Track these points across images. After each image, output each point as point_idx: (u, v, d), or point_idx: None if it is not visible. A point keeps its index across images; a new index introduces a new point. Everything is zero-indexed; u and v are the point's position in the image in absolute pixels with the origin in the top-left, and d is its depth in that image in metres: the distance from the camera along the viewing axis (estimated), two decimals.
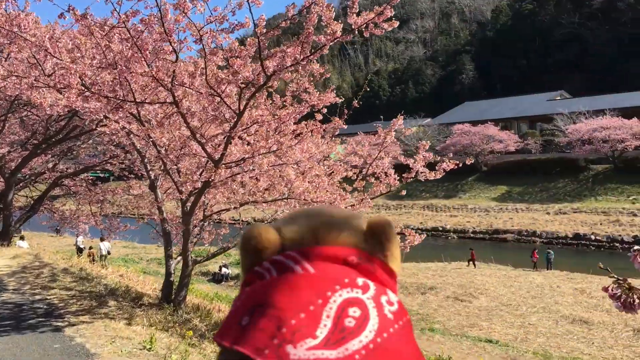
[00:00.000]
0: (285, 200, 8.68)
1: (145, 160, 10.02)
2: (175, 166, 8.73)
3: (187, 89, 7.32)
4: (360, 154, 8.66)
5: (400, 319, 0.60)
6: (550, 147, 45.33)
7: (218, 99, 7.65)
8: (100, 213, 19.70)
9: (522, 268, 28.80)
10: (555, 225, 38.81)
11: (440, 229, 41.81)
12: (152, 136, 8.78)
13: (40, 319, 8.01)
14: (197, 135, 7.75)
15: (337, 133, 9.59)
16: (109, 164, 18.33)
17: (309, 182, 8.27)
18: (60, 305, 8.85)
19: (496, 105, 53.27)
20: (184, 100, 7.36)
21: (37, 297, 9.44)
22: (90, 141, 19.29)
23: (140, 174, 17.32)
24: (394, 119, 8.67)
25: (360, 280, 0.60)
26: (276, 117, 8.00)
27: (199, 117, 7.77)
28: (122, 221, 20.57)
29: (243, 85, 7.65)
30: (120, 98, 7.24)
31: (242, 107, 7.73)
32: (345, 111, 9.00)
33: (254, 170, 9.15)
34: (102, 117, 9.39)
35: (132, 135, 9.69)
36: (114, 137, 15.66)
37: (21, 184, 19.07)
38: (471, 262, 28.12)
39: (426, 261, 29.93)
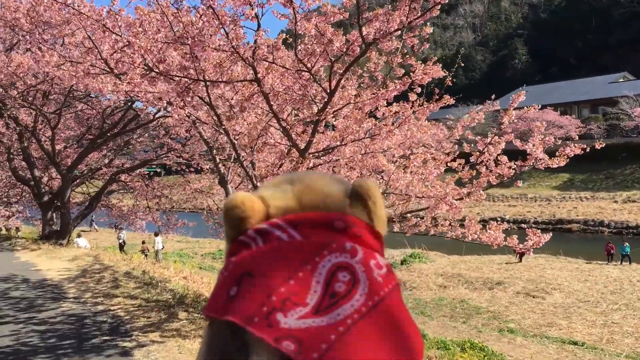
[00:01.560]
0: (384, 195, 7.25)
1: (214, 152, 8.74)
2: (250, 158, 7.41)
3: (271, 63, 5.95)
4: (470, 138, 7.14)
5: (390, 282, 0.57)
6: (615, 131, 42.33)
7: (306, 75, 6.26)
8: (158, 209, 18.76)
9: (595, 261, 26.61)
10: (624, 214, 36.14)
11: (499, 219, 39.58)
12: (225, 124, 7.48)
13: (105, 338, 6.82)
14: (282, 121, 6.38)
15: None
16: (166, 158, 17.32)
17: (411, 172, 6.80)
18: (125, 318, 7.67)
19: (554, 90, 50.16)
20: (268, 77, 5.99)
21: (100, 307, 8.31)
22: (146, 135, 18.32)
23: (199, 168, 16.27)
24: (513, 94, 7.09)
25: (348, 245, 0.57)
26: (373, 96, 6.55)
27: (283, 98, 6.41)
28: (179, 217, 19.61)
29: (334, 59, 6.23)
30: (193, 77, 5.92)
31: (333, 85, 6.31)
32: (437, 90, 7.47)
33: (337, 160, 7.76)
34: (164, 105, 8.17)
35: (198, 124, 8.43)
36: (177, 128, 14.62)
37: (78, 181, 18.24)
38: (518, 256, 25.98)
39: (487, 254, 28.00)
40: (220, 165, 8.69)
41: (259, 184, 8.03)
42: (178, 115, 7.86)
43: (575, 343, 16.51)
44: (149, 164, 18.01)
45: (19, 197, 20.66)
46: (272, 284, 0.52)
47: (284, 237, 0.58)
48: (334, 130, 7.43)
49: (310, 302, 0.51)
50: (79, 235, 20.45)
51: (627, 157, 40.03)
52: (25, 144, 16.73)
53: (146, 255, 26.58)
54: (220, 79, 6.10)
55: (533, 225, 36.75)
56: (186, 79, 5.92)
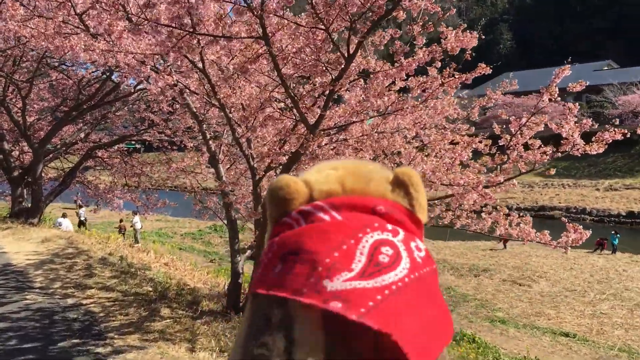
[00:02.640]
0: None
1: (204, 127, 7.59)
2: (248, 134, 6.30)
3: (282, 18, 4.82)
4: (504, 117, 6.13)
5: (429, 265, 0.57)
6: (599, 119, 41.91)
7: (321, 35, 5.15)
8: (137, 187, 17.49)
9: (580, 250, 26.15)
10: (606, 202, 35.85)
11: (481, 205, 38.95)
12: (219, 94, 6.35)
13: (75, 340, 5.71)
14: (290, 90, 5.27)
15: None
16: (146, 134, 16.03)
17: (436, 156, 5.79)
18: (100, 315, 6.55)
19: (538, 76, 49.48)
20: (278, 35, 4.87)
21: (70, 300, 7.17)
22: (126, 109, 16.96)
23: (183, 145, 15.05)
24: (556, 69, 6.08)
25: (389, 226, 0.57)
26: (397, 66, 5.48)
27: (293, 62, 5.29)
28: (160, 196, 18.33)
29: (354, 18, 5.14)
30: (187, 29, 4.75)
31: (352, 49, 5.22)
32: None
33: (345, 140, 6.69)
34: (147, 72, 7.01)
35: (187, 95, 7.28)
36: (159, 102, 13.37)
37: (51, 155, 16.82)
38: (501, 242, 25.41)
39: (471, 239, 27.32)
40: (211, 142, 7.55)
41: (256, 164, 6.94)
42: (164, 82, 6.70)
43: (567, 335, 16.00)
44: (128, 139, 16.70)
45: None
46: (317, 257, 0.52)
47: (327, 218, 0.57)
48: (338, 105, 6.39)
49: (355, 268, 0.51)
50: (64, 215, 18.93)
51: (609, 145, 39.56)
52: None
53: (123, 234, 25.38)
54: (220, 34, 4.94)
55: (515, 212, 36.18)
56: (179, 31, 4.75)
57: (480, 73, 5.72)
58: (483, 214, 6.94)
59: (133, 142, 18.69)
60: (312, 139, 5.53)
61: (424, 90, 5.67)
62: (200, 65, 6.28)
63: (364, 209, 0.59)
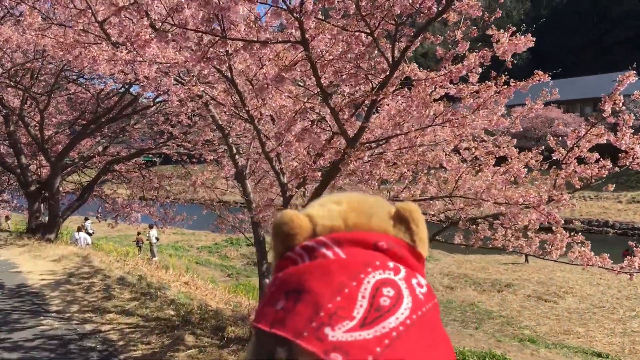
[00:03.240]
0: (446, 200, 5.65)
1: (230, 140, 7.08)
2: (279, 149, 5.76)
3: (321, 21, 4.31)
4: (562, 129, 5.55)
5: (430, 300, 0.58)
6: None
7: (363, 39, 4.63)
8: (155, 199, 17.05)
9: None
10: (629, 214, 34.84)
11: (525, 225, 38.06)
12: (248, 106, 5.84)
13: None
14: (330, 100, 4.74)
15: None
16: (164, 147, 15.61)
17: (493, 173, 5.21)
18: (119, 344, 6.02)
19: (556, 87, 48.81)
20: (318, 39, 4.35)
21: (88, 326, 6.66)
22: (144, 121, 16.58)
23: (203, 159, 14.59)
24: (620, 75, 5.49)
25: (391, 264, 0.58)
26: (445, 72, 4.93)
27: (333, 69, 4.76)
28: (178, 209, 17.86)
29: (399, 20, 4.62)
30: (218, 34, 4.25)
31: (397, 54, 4.70)
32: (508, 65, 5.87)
33: (381, 154, 6.13)
34: (170, 85, 6.57)
35: (213, 106, 6.80)
36: (179, 115, 12.93)
37: (69, 169, 16.46)
38: (523, 255, 24.57)
39: (492, 253, 26.47)
40: (237, 157, 7.04)
41: (285, 179, 6.40)
42: (190, 93, 6.22)
43: (599, 355, 15.23)
44: (147, 152, 16.28)
45: (3, 186, 18.88)
46: (319, 300, 0.52)
47: (330, 254, 0.58)
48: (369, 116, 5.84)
49: (356, 315, 0.51)
50: (79, 229, 18.49)
51: None
52: (12, 128, 14.95)
53: (140, 246, 24.97)
54: (253, 38, 4.43)
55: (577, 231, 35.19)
56: (211, 35, 4.25)
57: (538, 81, 5.15)
58: (529, 233, 6.35)
59: (150, 155, 18.30)
60: (353, 153, 4.99)
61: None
62: (228, 74, 5.78)
63: (366, 245, 0.59)
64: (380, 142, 5.29)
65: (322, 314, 0.51)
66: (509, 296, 20.98)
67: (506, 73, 5.49)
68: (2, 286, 8.69)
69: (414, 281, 0.57)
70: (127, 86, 14.29)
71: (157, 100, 13.93)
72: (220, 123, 7.14)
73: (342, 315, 0.50)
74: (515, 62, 5.73)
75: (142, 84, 12.03)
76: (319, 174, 5.55)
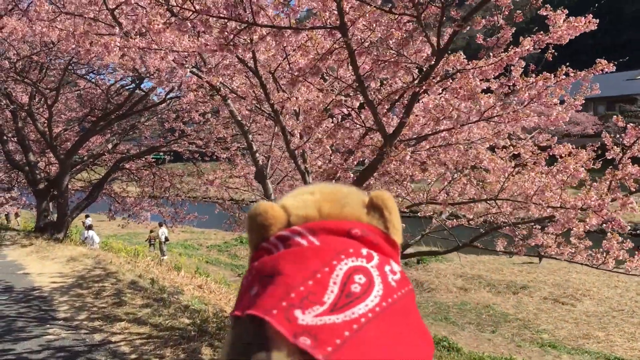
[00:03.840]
0: (491, 203, 5.08)
1: (250, 137, 6.54)
2: (303, 147, 5.23)
3: (363, 2, 3.77)
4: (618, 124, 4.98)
5: (403, 287, 0.58)
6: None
7: (406, 23, 4.09)
8: (165, 197, 16.58)
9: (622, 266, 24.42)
10: None
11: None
12: (273, 99, 5.31)
13: None
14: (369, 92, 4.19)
15: None
16: (175, 145, 15.11)
17: (548, 174, 4.65)
18: (131, 358, 5.50)
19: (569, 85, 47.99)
20: (357, 23, 3.81)
21: (97, 336, 6.15)
22: (154, 118, 16.07)
23: (215, 157, 14.11)
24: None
25: (364, 251, 0.58)
26: (496, 60, 4.38)
27: (372, 57, 4.21)
28: (189, 208, 17.36)
29: (443, 4, 4.07)
30: (245, 20, 3.72)
31: (445, 41, 4.15)
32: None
33: (414, 153, 5.56)
34: (182, 78, 6.09)
35: (233, 100, 6.26)
36: (191, 111, 12.43)
37: (78, 167, 15.99)
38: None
39: (505, 253, 25.65)
40: (257, 155, 6.49)
41: (310, 179, 5.85)
42: (208, 83, 5.70)
43: None
44: (158, 150, 15.78)
45: (12, 183, 18.44)
46: (291, 282, 0.52)
47: (304, 242, 0.58)
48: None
49: (327, 300, 0.51)
50: (89, 228, 18.01)
51: None
52: (20, 125, 14.49)
53: (152, 244, 24.54)
54: (282, 24, 3.90)
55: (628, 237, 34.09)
56: (235, 23, 3.72)
57: (601, 71, 4.59)
58: (573, 239, 5.78)
59: (160, 153, 17.84)
60: (392, 151, 4.45)
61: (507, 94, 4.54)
62: (251, 64, 5.25)
63: (340, 233, 0.59)
64: (418, 140, 4.74)
65: (293, 295, 0.50)
66: (524, 298, 20.42)
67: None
68: (9, 289, 8.21)
69: (387, 268, 0.57)
70: (137, 81, 13.80)
71: (169, 96, 13.43)
72: (240, 119, 6.60)
73: (312, 300, 0.50)
74: (555, 54, 5.19)
75: (153, 78, 11.51)
76: (351, 174, 5.01)
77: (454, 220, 6.09)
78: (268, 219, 0.62)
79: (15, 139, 15.47)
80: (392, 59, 4.23)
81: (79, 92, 16.57)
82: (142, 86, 14.82)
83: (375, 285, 0.54)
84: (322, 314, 0.49)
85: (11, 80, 12.74)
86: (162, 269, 11.03)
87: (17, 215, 22.91)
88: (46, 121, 14.11)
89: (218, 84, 5.80)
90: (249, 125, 6.66)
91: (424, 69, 4.34)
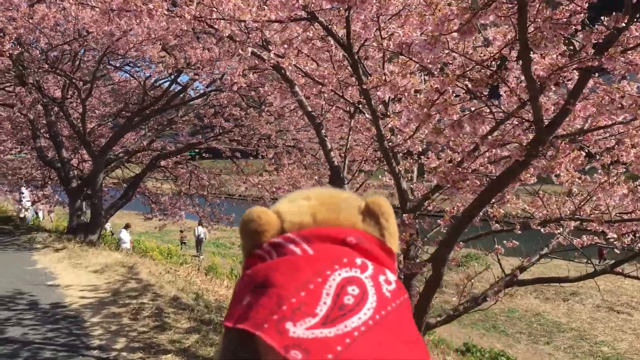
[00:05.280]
0: None
1: (323, 131, 5.24)
2: (411, 140, 3.93)
3: None
4: None
5: (398, 297, 0.55)
6: None
7: None
8: (206, 200, 15.49)
9: None
10: None
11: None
12: (367, 84, 4.00)
13: None
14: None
15: None
16: (214, 141, 13.94)
17: None
18: None
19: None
20: None
21: None
22: (192, 113, 14.91)
23: (260, 155, 12.88)
24: None
25: (358, 260, 0.56)
26: None
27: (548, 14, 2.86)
28: (227, 209, 16.22)
29: None
30: None
31: None
32: None
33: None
34: (244, 54, 4.83)
35: (298, 87, 4.97)
36: (244, 96, 11.26)
37: (113, 164, 14.93)
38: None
39: (549, 257, 23.92)
40: (332, 154, 5.18)
41: (406, 185, 4.53)
42: (274, 67, 4.43)
43: None
44: (195, 147, 14.64)
45: (45, 181, 17.55)
46: (283, 294, 0.50)
47: (297, 251, 0.56)
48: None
49: (319, 312, 0.49)
50: (126, 227, 17.03)
51: None
52: (53, 119, 13.45)
53: (184, 243, 23.65)
54: None
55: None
56: None
57: None
58: None
59: (196, 150, 16.76)
60: (541, 152, 3.09)
61: None
62: (341, 35, 3.95)
63: (334, 241, 0.57)
64: (582, 134, 3.37)
65: (285, 307, 0.48)
66: (576, 306, 18.90)
67: None
68: (35, 305, 7.07)
69: (381, 278, 0.55)
70: (175, 74, 12.65)
71: (209, 89, 12.24)
72: (310, 110, 5.31)
73: (305, 311, 0.48)
74: None
75: (192, 71, 10.18)
76: (476, 181, 3.67)
77: (591, 237, 4.71)
78: (261, 225, 0.59)
79: (47, 134, 14.49)
80: (561, 24, 2.86)
81: (113, 86, 15.54)
82: (178, 79, 13.69)
83: (369, 297, 0.52)
84: (314, 327, 0.47)
85: (43, 72, 11.69)
86: (204, 279, 9.85)
87: (50, 212, 22.14)
88: (79, 116, 13.05)
89: (290, 66, 4.50)
90: (322, 117, 5.35)
91: (604, 35, 2.96)
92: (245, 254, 0.61)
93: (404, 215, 4.03)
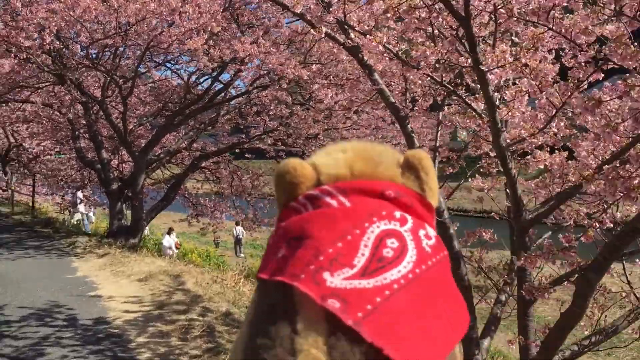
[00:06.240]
0: None
1: (409, 125, 4.37)
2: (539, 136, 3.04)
3: None
4: None
5: (438, 253, 0.53)
6: None
7: None
8: (249, 202, 14.82)
9: None
10: None
11: None
12: (485, 61, 3.15)
13: None
14: None
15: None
16: (258, 141, 13.21)
17: None
18: None
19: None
20: None
21: None
22: (234, 112, 14.19)
23: (305, 154, 12.10)
24: None
25: (397, 213, 0.53)
26: None
27: None
28: (269, 212, 15.50)
29: None
30: None
31: None
32: None
33: None
34: (318, 35, 4.14)
35: (377, 75, 4.12)
36: (275, 104, 10.53)
37: (153, 165, 14.33)
38: None
39: None
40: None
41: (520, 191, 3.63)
42: (363, 45, 3.61)
43: None
44: (238, 147, 13.93)
45: (85, 182, 17.16)
46: (320, 245, 0.49)
47: (334, 203, 0.53)
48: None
49: (357, 264, 0.47)
50: (169, 232, 16.05)
51: None
52: (92, 118, 12.92)
53: (218, 244, 23.08)
54: None
55: None
56: None
57: None
58: None
59: (237, 150, 16.03)
60: None
61: None
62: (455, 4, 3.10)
63: (372, 194, 0.55)
64: None
65: (322, 258, 0.48)
66: None
67: None
68: (75, 321, 6.40)
69: (421, 232, 0.53)
70: (219, 70, 11.94)
71: (253, 87, 11.48)
72: (394, 101, 4.44)
73: (342, 262, 0.47)
74: None
75: (240, 66, 9.40)
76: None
77: None
78: (297, 177, 0.56)
79: (86, 134, 13.99)
80: None
81: (152, 85, 14.97)
82: (220, 78, 12.99)
83: (408, 251, 0.50)
84: (352, 277, 0.46)
85: (83, 69, 11.14)
86: (252, 287, 9.08)
87: (88, 215, 21.83)
88: (119, 115, 12.47)
89: (380, 45, 3.64)
90: (407, 110, 4.47)
91: None
92: (280, 207, 0.57)
93: (562, 238, 3.15)
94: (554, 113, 3.09)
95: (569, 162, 3.93)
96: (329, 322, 0.44)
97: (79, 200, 16.82)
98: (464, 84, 4.45)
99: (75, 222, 17.00)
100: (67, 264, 9.59)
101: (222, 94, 12.90)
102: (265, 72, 10.64)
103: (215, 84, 12.94)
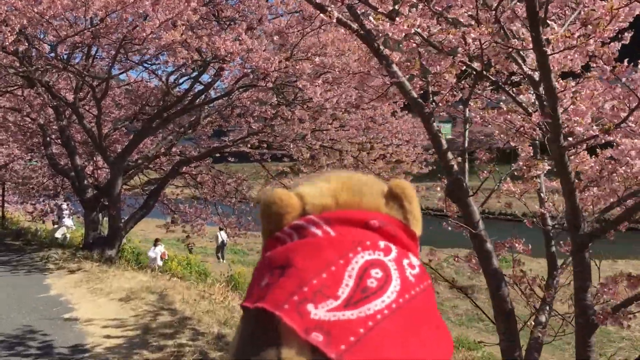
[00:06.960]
0: None
1: (435, 126, 3.78)
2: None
3: None
4: None
5: (422, 282, 0.53)
6: None
7: None
8: (234, 208, 14.12)
9: None
10: None
11: None
12: (550, 46, 2.57)
13: None
14: None
15: None
16: (242, 144, 12.50)
17: None
18: None
19: None
20: None
21: None
22: (215, 114, 13.44)
23: (293, 157, 11.43)
24: None
25: (382, 243, 0.53)
26: None
27: None
28: (254, 218, 14.83)
29: None
30: None
31: None
32: None
33: None
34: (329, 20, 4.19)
35: (395, 66, 3.53)
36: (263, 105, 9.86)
37: (130, 172, 13.48)
38: None
39: None
40: (449, 156, 3.73)
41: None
42: (366, 41, 3.00)
43: None
44: (220, 151, 13.20)
45: (57, 190, 16.21)
46: (304, 275, 0.48)
47: (319, 233, 0.53)
48: None
49: (341, 295, 0.47)
50: (156, 243, 14.84)
51: None
52: (64, 123, 12.04)
53: (191, 250, 22.35)
54: None
55: None
56: None
57: None
58: None
59: (217, 154, 15.27)
60: None
61: None
62: None
63: (357, 224, 0.55)
64: None
65: (306, 289, 0.47)
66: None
67: None
68: (50, 349, 5.64)
69: (405, 262, 0.53)
70: (200, 69, 11.19)
71: (238, 85, 10.76)
72: (414, 96, 3.84)
73: (326, 293, 0.47)
74: None
75: (221, 64, 8.69)
76: None
77: None
78: (283, 207, 0.55)
79: (59, 140, 13.09)
80: None
81: (127, 86, 14.12)
82: (200, 79, 12.24)
83: (392, 280, 0.50)
84: (335, 309, 0.46)
85: (53, 70, 10.29)
86: (240, 300, 8.40)
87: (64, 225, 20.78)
88: (94, 118, 11.63)
89: (411, 29, 3.04)
90: (432, 108, 3.87)
91: None
92: (265, 237, 0.57)
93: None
94: (638, 103, 2.51)
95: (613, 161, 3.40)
96: (314, 351, 0.43)
97: (64, 214, 15.48)
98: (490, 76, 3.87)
99: (60, 237, 15.42)
100: (40, 281, 8.75)
101: (203, 96, 12.16)
102: (249, 70, 9.97)
103: (196, 86, 12.20)
